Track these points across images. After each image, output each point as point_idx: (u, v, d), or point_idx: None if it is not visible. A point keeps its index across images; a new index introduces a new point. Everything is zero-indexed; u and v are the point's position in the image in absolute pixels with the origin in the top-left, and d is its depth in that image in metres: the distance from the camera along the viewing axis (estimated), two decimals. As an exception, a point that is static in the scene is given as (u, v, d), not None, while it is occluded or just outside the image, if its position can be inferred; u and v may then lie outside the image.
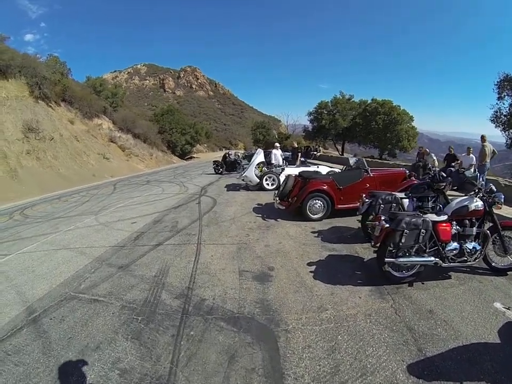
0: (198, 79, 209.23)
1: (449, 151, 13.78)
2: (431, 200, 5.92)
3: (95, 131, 32.71)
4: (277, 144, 15.98)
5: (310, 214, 7.78)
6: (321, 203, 7.77)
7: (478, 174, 9.85)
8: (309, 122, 49.19)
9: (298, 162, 16.01)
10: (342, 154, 41.49)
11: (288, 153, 18.91)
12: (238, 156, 21.59)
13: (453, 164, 12.56)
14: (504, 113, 23.64)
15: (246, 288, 4.41)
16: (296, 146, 16.96)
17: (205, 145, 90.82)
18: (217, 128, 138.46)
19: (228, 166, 20.89)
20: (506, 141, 23.99)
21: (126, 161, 32.89)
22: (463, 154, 12.66)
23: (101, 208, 10.85)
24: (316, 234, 6.75)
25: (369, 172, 8.43)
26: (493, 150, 11.46)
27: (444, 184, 5.97)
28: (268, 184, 12.93)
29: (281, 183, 11.12)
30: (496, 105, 23.91)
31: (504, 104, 23.53)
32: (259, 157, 13.67)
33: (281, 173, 12.81)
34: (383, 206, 5.66)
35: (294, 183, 8.42)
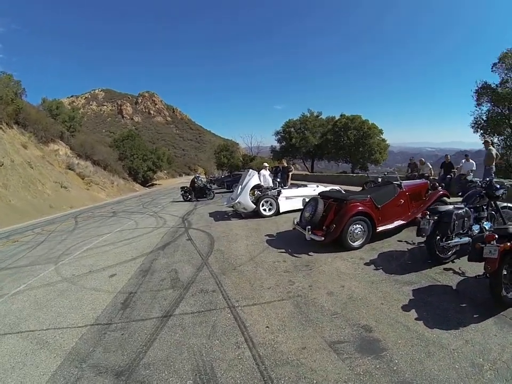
0: (156, 104, 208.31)
1: (446, 159, 13.44)
2: (484, 209, 5.75)
3: (51, 157, 29.86)
4: (266, 164, 14.13)
5: (350, 242, 6.42)
6: (362, 227, 6.49)
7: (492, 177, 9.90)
8: (276, 142, 48.57)
9: (289, 183, 14.08)
10: (312, 172, 40.78)
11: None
12: (201, 180, 19.67)
13: (452, 171, 12.70)
14: (484, 118, 24.87)
15: (363, 372, 2.81)
16: (286, 165, 15.03)
17: (165, 171, 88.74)
18: (176, 154, 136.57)
19: (196, 192, 19.29)
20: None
21: (86, 190, 30.12)
22: (462, 161, 12.60)
23: (63, 252, 8.28)
24: (373, 267, 5.44)
25: (402, 186, 7.48)
26: (497, 153, 11.59)
27: (502, 191, 5.69)
28: (265, 209, 11.15)
29: (279, 208, 11.07)
30: (475, 112, 25.23)
31: (482, 110, 25.01)
32: (253, 179, 11.64)
33: (278, 196, 11.32)
34: (457, 222, 5.16)
35: (325, 206, 6.91)
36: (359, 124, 40.36)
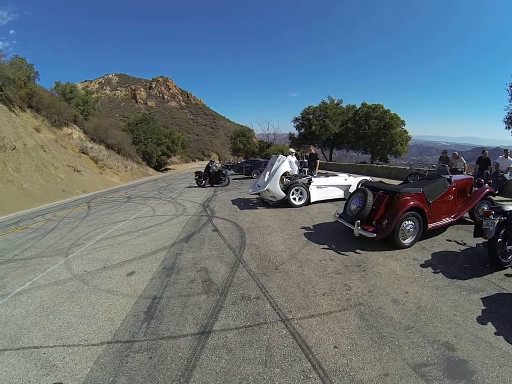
0: (170, 89, 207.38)
1: (483, 155, 12.56)
2: None
3: (65, 141, 29.31)
4: (292, 150, 13.19)
5: (401, 240, 5.88)
6: (413, 223, 5.95)
7: None
8: (295, 128, 47.47)
9: (316, 172, 13.12)
10: (330, 161, 39.69)
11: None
12: (216, 166, 18.94)
13: (489, 167, 12.03)
14: None
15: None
16: (314, 152, 13.94)
17: (179, 156, 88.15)
18: (190, 139, 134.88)
19: (211, 177, 18.63)
20: None
21: (99, 174, 29.49)
22: (500, 157, 11.92)
23: (73, 242, 7.46)
24: (430, 269, 4.92)
25: (452, 180, 6.92)
26: None
27: None
28: (294, 198, 10.38)
29: (310, 197, 10.38)
30: (510, 107, 23.43)
31: None
32: (283, 165, 10.66)
33: (308, 184, 10.53)
34: None
35: (374, 199, 6.25)
36: (381, 113, 39.24)
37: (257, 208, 10.28)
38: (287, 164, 10.78)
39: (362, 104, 42.08)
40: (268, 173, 10.97)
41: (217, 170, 18.77)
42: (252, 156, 50.65)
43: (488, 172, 11.77)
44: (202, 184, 18.46)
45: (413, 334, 3.26)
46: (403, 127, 40.41)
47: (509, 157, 11.61)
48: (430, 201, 6.32)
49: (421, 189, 6.30)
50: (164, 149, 55.61)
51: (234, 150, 59.17)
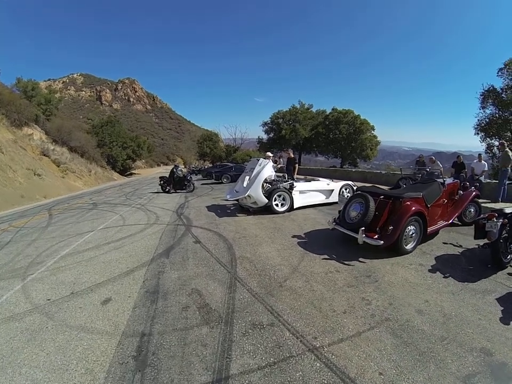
0: (136, 92, 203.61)
1: (458, 159, 13.41)
2: None
3: (24, 142, 27.29)
4: (270, 154, 12.40)
5: (404, 246, 5.75)
6: (415, 228, 5.88)
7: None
8: (264, 133, 46.89)
9: (295, 176, 12.51)
10: (299, 165, 39.59)
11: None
12: (181, 171, 18.24)
13: (463, 171, 12.63)
14: (487, 121, 25.36)
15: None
16: (292, 156, 13.29)
17: (143, 161, 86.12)
18: (155, 143, 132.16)
19: (176, 183, 17.83)
20: (486, 149, 25.78)
21: (61, 178, 27.69)
22: (474, 161, 12.49)
23: (33, 259, 6.30)
24: (439, 274, 4.85)
25: (445, 184, 7.05)
26: None
27: None
28: (277, 205, 9.80)
29: (293, 203, 9.88)
30: (479, 114, 25.54)
31: (486, 113, 25.36)
32: (265, 169, 9.95)
33: (290, 189, 10.03)
34: None
35: (376, 204, 6.00)
36: (352, 118, 39.60)
37: (237, 216, 9.51)
38: (269, 168, 10.08)
39: (332, 109, 42.31)
40: (247, 177, 10.28)
41: (181, 175, 17.96)
42: (219, 160, 49.95)
43: (464, 175, 12.13)
44: (167, 190, 17.77)
45: (449, 345, 3.11)
46: (373, 132, 41.03)
47: (482, 161, 12.18)
48: (429, 205, 6.30)
49: (421, 194, 6.21)
50: (130, 152, 53.87)
51: (201, 155, 58.12)
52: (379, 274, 4.84)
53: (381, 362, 2.84)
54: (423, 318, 3.59)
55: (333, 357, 2.88)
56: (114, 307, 3.97)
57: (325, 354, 2.93)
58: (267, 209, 9.59)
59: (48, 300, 4.32)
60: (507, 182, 10.85)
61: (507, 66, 24.14)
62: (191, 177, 18.37)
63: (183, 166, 73.39)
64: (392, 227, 5.57)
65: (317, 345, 3.05)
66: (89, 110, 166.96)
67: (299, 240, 6.66)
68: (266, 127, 45.60)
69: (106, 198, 17.13)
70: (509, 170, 10.84)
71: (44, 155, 28.91)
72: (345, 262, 5.31)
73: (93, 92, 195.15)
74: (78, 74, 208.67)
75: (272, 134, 44.91)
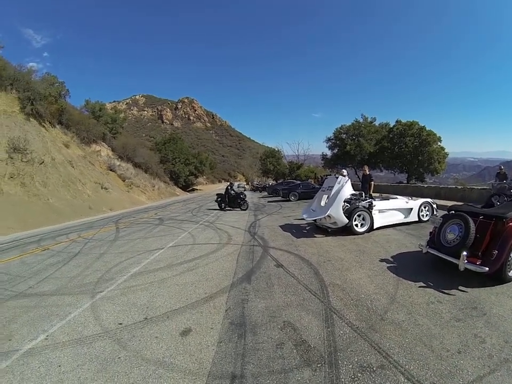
0: (195, 110, 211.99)
1: (500, 170, 13.07)
2: None
3: (93, 157, 29.02)
4: (344, 172, 11.79)
5: (508, 273, 5.15)
6: None
7: None
8: (327, 148, 45.77)
9: (371, 193, 11.76)
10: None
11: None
12: (234, 189, 18.09)
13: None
14: None
15: None
16: (368, 172, 12.55)
17: (205, 177, 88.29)
18: (216, 160, 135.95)
19: (230, 201, 18.10)
20: None
21: (126, 192, 28.84)
22: None
23: (102, 274, 6.12)
24: None
25: None
26: None
27: None
28: (357, 225, 9.16)
29: (373, 223, 9.19)
30: None
31: None
32: (346, 188, 9.38)
33: (370, 208, 9.37)
34: None
35: (476, 226, 5.39)
36: (417, 130, 37.69)
37: (315, 236, 8.90)
38: (349, 187, 9.47)
39: (396, 121, 40.53)
40: (325, 196, 9.74)
41: (234, 193, 18.11)
42: (282, 177, 49.57)
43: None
44: (223, 207, 18.03)
45: None
46: (439, 143, 38.59)
47: None
48: None
49: None
50: (192, 169, 55.45)
51: (264, 171, 58.35)
52: (485, 306, 4.34)
53: None
54: None
55: None
56: (195, 340, 3.49)
57: None
58: (345, 230, 9.07)
59: (120, 324, 3.95)
60: None
61: None
62: (245, 195, 18.35)
63: (245, 183, 74.21)
64: (497, 251, 5.05)
65: None
66: (151, 129, 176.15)
67: (388, 265, 6.13)
68: (330, 142, 44.48)
69: (171, 214, 17.33)
70: None
71: (111, 170, 30.48)
72: (445, 291, 4.80)
73: (154, 111, 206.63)
74: (140, 95, 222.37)
75: (336, 150, 43.73)
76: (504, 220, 5.28)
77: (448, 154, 40.47)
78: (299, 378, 2.78)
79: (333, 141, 44.34)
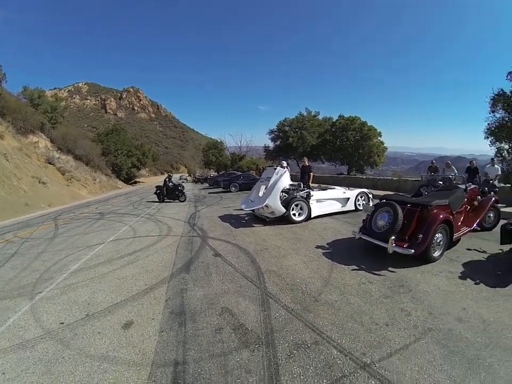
0: (140, 100, 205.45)
1: (471, 164, 13.44)
2: None
3: (30, 149, 27.17)
4: (284, 163, 12.11)
5: (432, 254, 5.72)
6: (442, 236, 5.85)
7: None
8: (270, 140, 46.19)
9: (310, 185, 12.14)
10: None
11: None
12: (186, 179, 18.18)
13: (478, 176, 12.45)
14: (495, 125, 25.34)
15: None
16: (307, 164, 12.95)
17: (147, 169, 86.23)
18: (159, 151, 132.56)
19: (168, 192, 17.94)
20: (496, 153, 25.17)
21: (66, 186, 27.48)
22: (487, 166, 12.91)
23: (40, 274, 5.83)
24: (470, 281, 4.82)
25: (468, 190, 7.15)
26: None
27: None
28: (294, 214, 9.42)
29: (311, 212, 9.54)
30: (489, 118, 25.32)
31: (496, 117, 24.86)
32: (284, 179, 9.69)
33: (307, 198, 9.66)
34: None
35: (404, 213, 5.92)
36: (358, 125, 39.30)
37: (253, 226, 9.13)
38: (287, 177, 9.79)
39: (339, 116, 41.89)
40: (263, 187, 9.98)
41: (172, 185, 18.00)
42: (224, 168, 49.54)
43: (478, 180, 11.95)
44: (162, 199, 17.86)
45: (494, 350, 3.13)
46: (379, 138, 40.64)
47: (495, 165, 12.65)
48: (454, 212, 6.34)
49: (447, 201, 6.26)
50: (134, 161, 53.86)
51: (206, 163, 57.96)
52: (412, 283, 4.76)
53: (434, 373, 2.78)
54: (464, 325, 3.59)
55: (386, 372, 2.76)
56: (138, 332, 3.54)
57: (378, 370, 2.79)
58: (283, 219, 9.30)
59: (62, 323, 3.87)
60: None
61: None
62: (183, 187, 18.26)
63: (187, 175, 73.29)
64: (422, 235, 5.54)
65: (368, 362, 2.89)
66: (93, 119, 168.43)
67: (324, 251, 6.40)
68: (273, 134, 44.98)
69: (113, 207, 16.84)
70: None
71: (49, 163, 28.79)
72: (375, 273, 5.17)
73: (98, 100, 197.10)
74: (83, 83, 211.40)
75: (279, 142, 44.29)
76: (429, 208, 5.79)
77: (387, 149, 42.60)
78: (238, 359, 2.93)
79: (276, 133, 44.81)
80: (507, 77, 24.59)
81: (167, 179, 18.00)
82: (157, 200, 18.16)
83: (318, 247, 6.69)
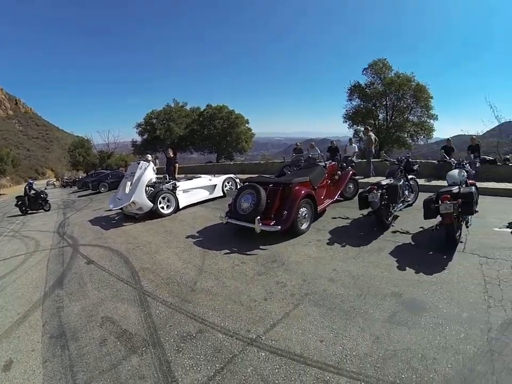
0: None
1: (332, 144, 15.19)
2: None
3: None
4: (149, 157, 12.04)
5: (300, 227, 6.24)
6: (307, 209, 6.42)
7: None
8: (138, 135, 44.39)
9: (176, 176, 12.26)
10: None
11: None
12: (54, 185, 16.51)
13: (338, 154, 13.76)
14: (352, 111, 31.87)
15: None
16: (172, 155, 12.92)
17: (8, 178, 76.00)
18: (21, 155, 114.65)
19: (30, 202, 15.24)
20: (353, 134, 31.45)
21: None
22: (346, 144, 14.39)
23: None
24: (337, 245, 5.54)
25: (327, 166, 7.92)
26: (375, 138, 13.86)
27: (417, 166, 7.44)
28: (163, 207, 9.55)
29: (178, 203, 9.80)
30: (347, 106, 32.05)
31: (352, 104, 31.96)
32: (147, 172, 9.61)
33: (174, 190, 9.90)
34: (401, 192, 6.25)
35: (267, 193, 6.29)
36: (226, 114, 40.51)
37: (123, 225, 8.97)
38: (151, 171, 9.73)
39: (207, 105, 42.58)
40: (128, 183, 9.80)
41: (33, 193, 15.64)
42: (93, 168, 46.63)
43: (338, 158, 13.06)
44: (26, 211, 15.22)
45: (366, 298, 3.62)
46: (247, 125, 42.60)
47: (353, 144, 14.11)
48: (315, 187, 6.92)
49: (307, 177, 6.76)
50: (-10, 169, 46.96)
51: (73, 164, 53.72)
52: (284, 257, 5.11)
53: (317, 331, 3.09)
54: (336, 284, 4.01)
55: (274, 342, 2.99)
56: (20, 370, 3.15)
57: (265, 342, 3.00)
58: (153, 214, 9.26)
59: None
60: (372, 159, 12.77)
61: (370, 67, 30.40)
62: (46, 194, 16.21)
63: (55, 179, 66.88)
64: (286, 212, 5.91)
65: (254, 337, 3.10)
66: None
67: (195, 240, 6.60)
68: (140, 128, 43.19)
69: (-34, 229, 14.59)
70: (373, 151, 13.04)
71: None
72: (248, 253, 5.46)
73: None
74: None
75: (147, 135, 42.80)
76: (290, 185, 6.23)
77: (255, 135, 45.19)
78: (129, 367, 2.89)
79: (143, 126, 43.17)
80: (363, 72, 31.21)
81: (27, 187, 15.62)
82: (20, 213, 16.28)
83: (188, 236, 6.89)
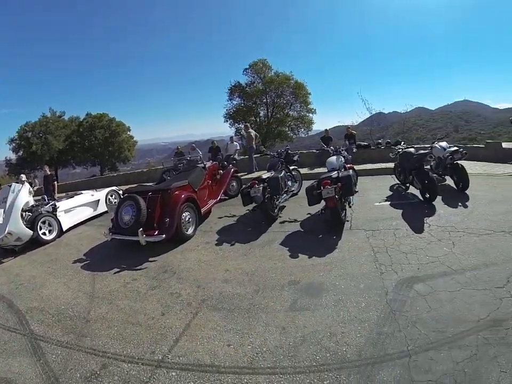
0: None
1: (212, 145, 15.00)
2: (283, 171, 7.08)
3: None
4: (23, 177, 10.56)
5: (185, 232, 6.07)
6: (189, 213, 6.26)
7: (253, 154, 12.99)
8: (12, 152, 37.36)
9: (56, 195, 11.05)
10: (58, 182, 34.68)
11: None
12: None
13: (220, 153, 14.08)
14: (233, 110, 32.64)
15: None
16: (50, 173, 11.58)
17: None
18: None
19: None
20: (235, 132, 31.94)
21: None
22: (228, 143, 14.50)
23: None
24: (226, 245, 5.56)
25: (206, 167, 7.76)
26: (256, 134, 13.83)
27: (297, 157, 7.67)
28: (44, 233, 8.01)
29: (61, 226, 8.41)
30: (228, 105, 32.68)
31: (233, 103, 32.73)
32: (21, 196, 7.99)
33: (54, 211, 8.44)
34: (283, 183, 6.39)
35: (146, 202, 6.00)
36: (107, 122, 37.88)
37: (2, 262, 7.43)
38: (26, 192, 8.23)
39: (86, 114, 38.97)
40: (1, 211, 8.16)
41: None
42: None
43: (220, 157, 13.31)
44: None
45: (265, 292, 3.66)
46: (129, 133, 40.46)
47: (234, 142, 14.43)
48: (196, 189, 6.78)
49: (186, 181, 6.59)
50: None
51: None
52: (174, 265, 4.99)
53: (222, 336, 3.03)
54: (231, 284, 4.01)
55: (181, 358, 2.85)
56: None
57: (173, 360, 2.85)
58: (35, 242, 7.83)
59: None
60: (254, 155, 12.88)
61: (251, 67, 31.21)
62: None
63: None
64: (168, 219, 5.72)
65: (160, 358, 2.92)
66: None
67: (82, 264, 5.95)
68: (14, 144, 36.47)
69: None
70: (255, 147, 13.09)
71: None
72: (138, 268, 5.18)
73: None
74: None
75: (22, 152, 36.37)
76: (169, 191, 5.98)
77: (137, 142, 43.40)
78: None
79: (17, 141, 36.55)
80: (243, 72, 31.92)
81: None
82: None
83: (75, 261, 6.17)
